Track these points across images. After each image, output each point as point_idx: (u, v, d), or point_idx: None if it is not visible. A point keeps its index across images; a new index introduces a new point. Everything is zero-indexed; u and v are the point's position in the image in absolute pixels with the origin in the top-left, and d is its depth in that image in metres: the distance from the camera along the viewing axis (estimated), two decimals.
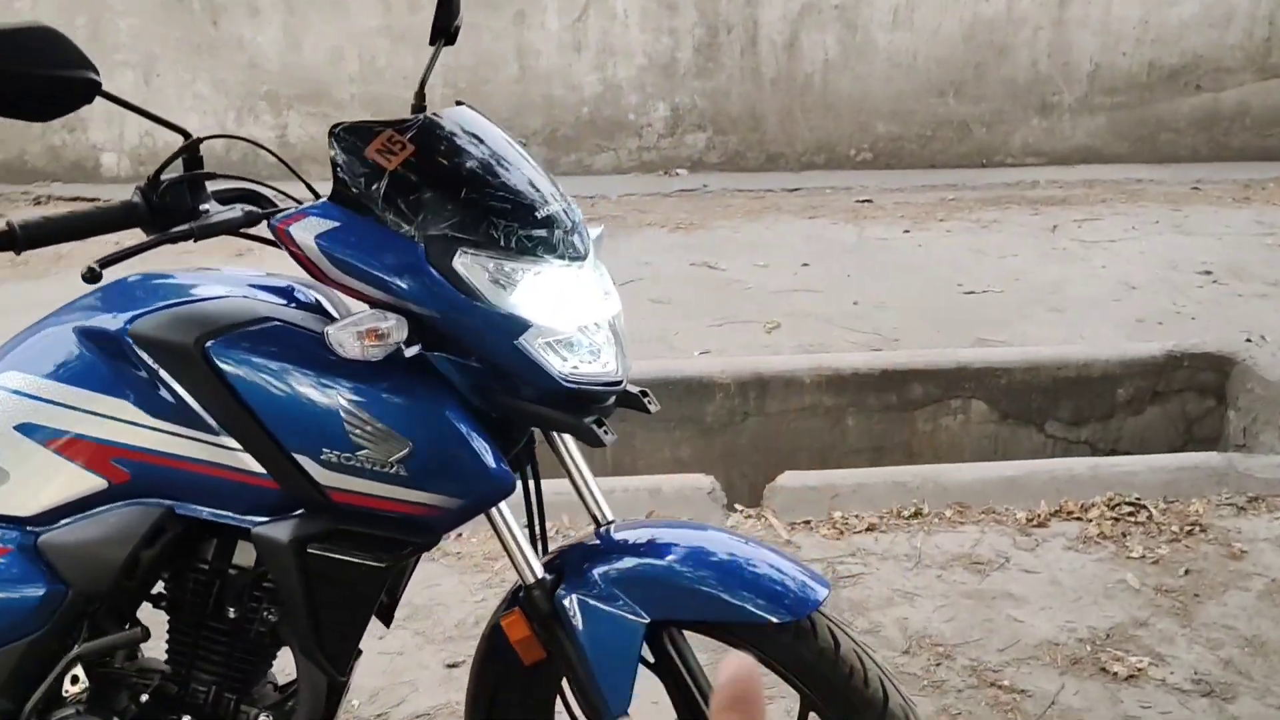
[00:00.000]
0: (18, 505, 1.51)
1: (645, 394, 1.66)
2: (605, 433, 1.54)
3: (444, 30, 1.85)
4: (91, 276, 1.29)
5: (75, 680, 1.53)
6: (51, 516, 1.51)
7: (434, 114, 1.54)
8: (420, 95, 1.79)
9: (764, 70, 6.55)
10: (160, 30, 6.28)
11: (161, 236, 1.39)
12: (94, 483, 1.48)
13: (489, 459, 1.47)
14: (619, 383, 1.56)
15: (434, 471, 1.45)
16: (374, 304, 1.44)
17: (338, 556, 1.47)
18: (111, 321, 1.46)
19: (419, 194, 1.43)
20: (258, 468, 1.45)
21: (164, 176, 1.44)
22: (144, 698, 1.56)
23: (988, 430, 3.89)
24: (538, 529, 1.74)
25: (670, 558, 1.57)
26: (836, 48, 6.50)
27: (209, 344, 1.42)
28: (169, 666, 1.59)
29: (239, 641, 1.59)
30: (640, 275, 5.08)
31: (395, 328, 1.40)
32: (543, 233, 1.48)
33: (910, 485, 3.14)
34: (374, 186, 1.43)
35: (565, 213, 1.53)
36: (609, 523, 1.71)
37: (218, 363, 1.42)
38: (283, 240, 1.43)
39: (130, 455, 1.46)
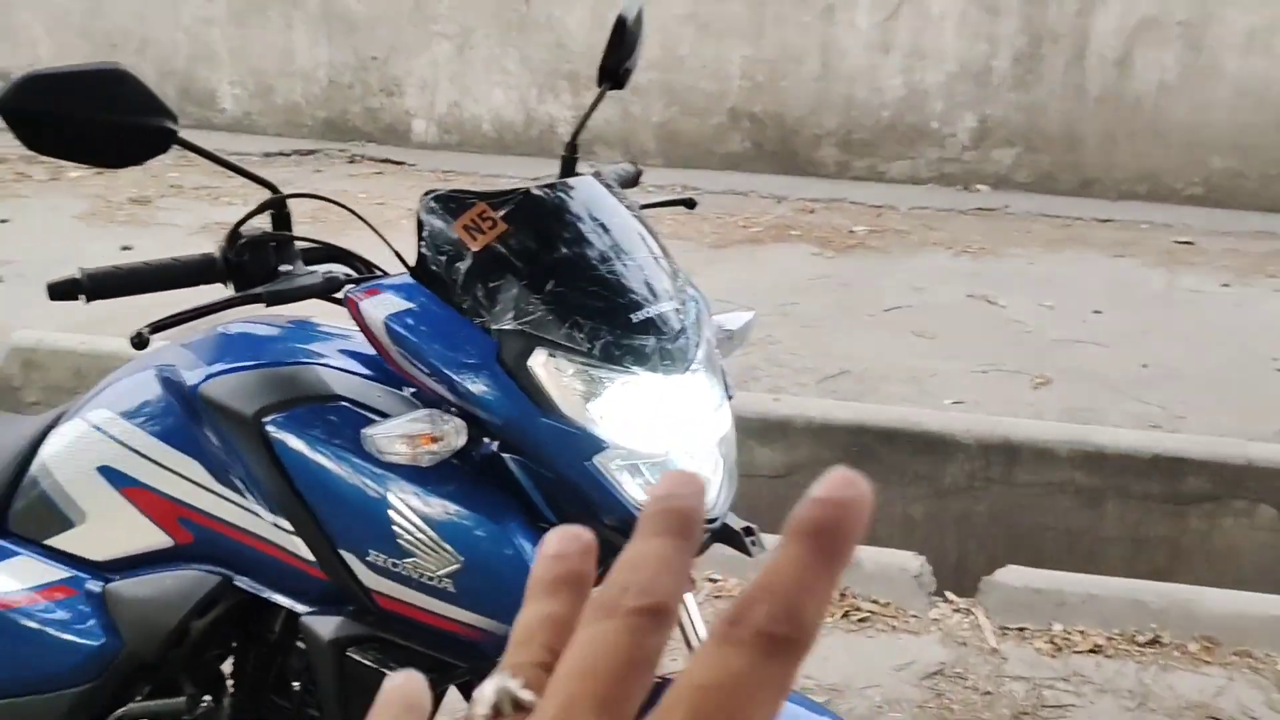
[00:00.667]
0: (91, 549, 1.48)
1: (751, 532, 1.43)
2: (692, 580, 1.33)
3: (612, 73, 1.67)
4: (139, 343, 1.21)
5: None
6: (120, 566, 1.47)
7: (546, 187, 1.37)
8: (572, 146, 1.62)
9: (1089, 87, 5.97)
10: (478, 5, 6.45)
11: (227, 300, 1.30)
12: (161, 539, 1.42)
13: None
14: (713, 520, 1.34)
15: (485, 592, 1.30)
16: (436, 400, 1.29)
17: (376, 668, 1.35)
18: (190, 376, 1.39)
19: (501, 281, 1.27)
20: (309, 554, 1.34)
21: (246, 232, 1.35)
22: None
23: (1275, 542, 3.35)
24: None
25: None
26: (1175, 68, 5.82)
27: (267, 418, 1.32)
28: None
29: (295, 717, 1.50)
30: (908, 302, 4.74)
31: (452, 432, 1.25)
32: (637, 340, 1.28)
33: (1152, 605, 2.72)
34: (456, 266, 1.29)
35: (675, 315, 1.33)
36: None
37: (273, 440, 1.32)
38: (353, 314, 1.31)
39: (195, 517, 1.40)
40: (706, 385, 1.36)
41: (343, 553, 1.31)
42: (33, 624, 1.46)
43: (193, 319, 1.28)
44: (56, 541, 1.48)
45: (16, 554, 1.50)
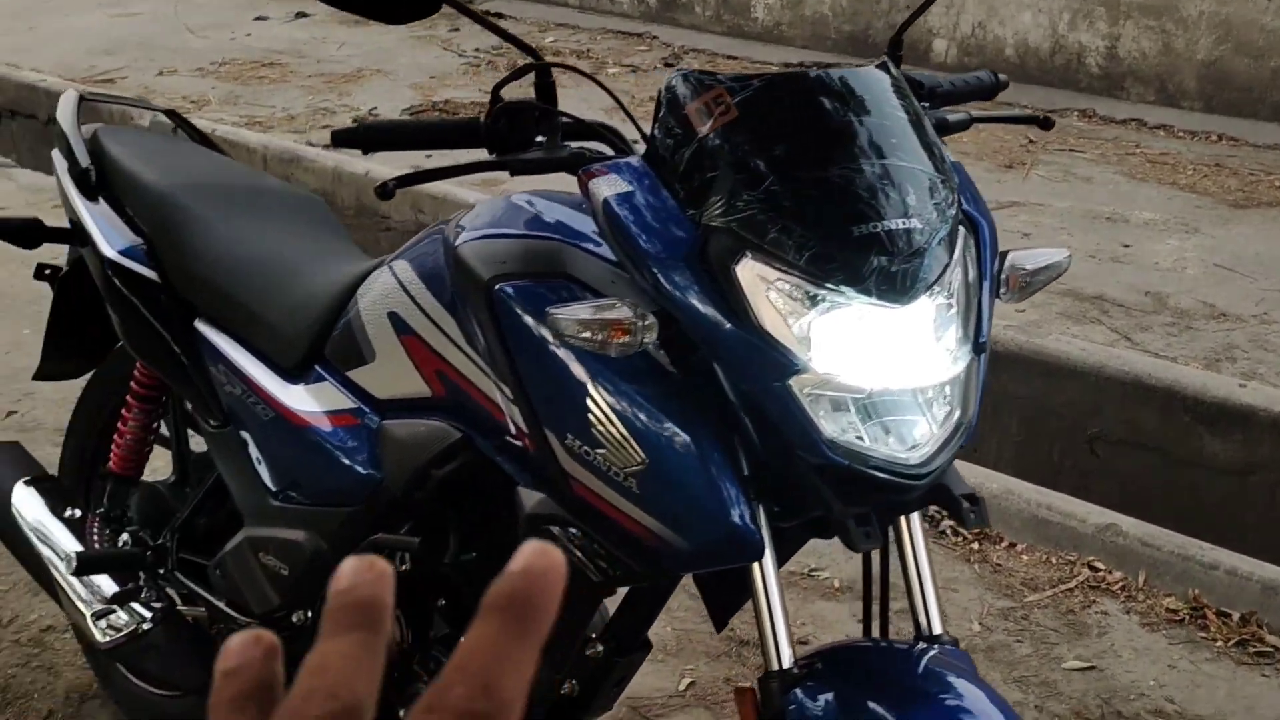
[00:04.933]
0: (376, 386, 1.60)
1: (974, 501, 1.25)
2: (866, 534, 1.20)
3: None
4: (384, 194, 1.28)
5: (402, 560, 1.61)
6: (394, 406, 1.58)
7: (797, 75, 1.26)
8: (897, 41, 1.48)
9: None
10: None
11: (469, 165, 1.33)
12: (422, 388, 1.51)
13: (731, 510, 1.22)
14: (922, 475, 1.19)
15: (666, 499, 1.25)
16: (638, 290, 1.24)
17: (562, 549, 1.35)
18: (460, 237, 1.45)
19: (718, 172, 1.19)
20: (524, 425, 1.37)
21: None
22: (441, 602, 1.61)
23: None
24: (874, 610, 1.45)
25: None
26: None
27: (498, 285, 1.35)
28: (472, 588, 1.61)
29: None
30: None
31: (642, 327, 1.20)
32: (852, 256, 1.15)
33: None
34: (681, 152, 1.22)
35: (916, 234, 1.17)
36: (930, 639, 1.35)
37: (498, 307, 1.34)
38: (583, 191, 1.29)
39: (448, 372, 1.47)
40: (937, 320, 1.18)
41: (547, 431, 1.31)
42: (323, 442, 1.62)
43: (437, 179, 1.32)
44: (353, 374, 1.63)
45: (325, 379, 1.67)
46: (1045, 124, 1.58)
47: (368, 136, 1.34)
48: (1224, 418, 3.14)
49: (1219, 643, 2.39)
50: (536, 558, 0.31)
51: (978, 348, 1.23)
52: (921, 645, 1.33)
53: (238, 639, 0.34)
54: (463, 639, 0.30)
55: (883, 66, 1.33)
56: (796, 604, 2.50)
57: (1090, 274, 3.97)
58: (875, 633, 1.49)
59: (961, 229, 1.24)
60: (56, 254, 2.22)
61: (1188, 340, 3.55)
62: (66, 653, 2.40)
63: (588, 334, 1.19)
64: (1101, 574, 2.59)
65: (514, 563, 0.31)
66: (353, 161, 5.37)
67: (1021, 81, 6.12)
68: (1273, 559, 2.62)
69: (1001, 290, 1.33)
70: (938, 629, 1.35)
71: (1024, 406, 3.41)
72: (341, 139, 1.36)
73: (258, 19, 8.03)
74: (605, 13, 7.68)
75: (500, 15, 8.01)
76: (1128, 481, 3.28)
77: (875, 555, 1.46)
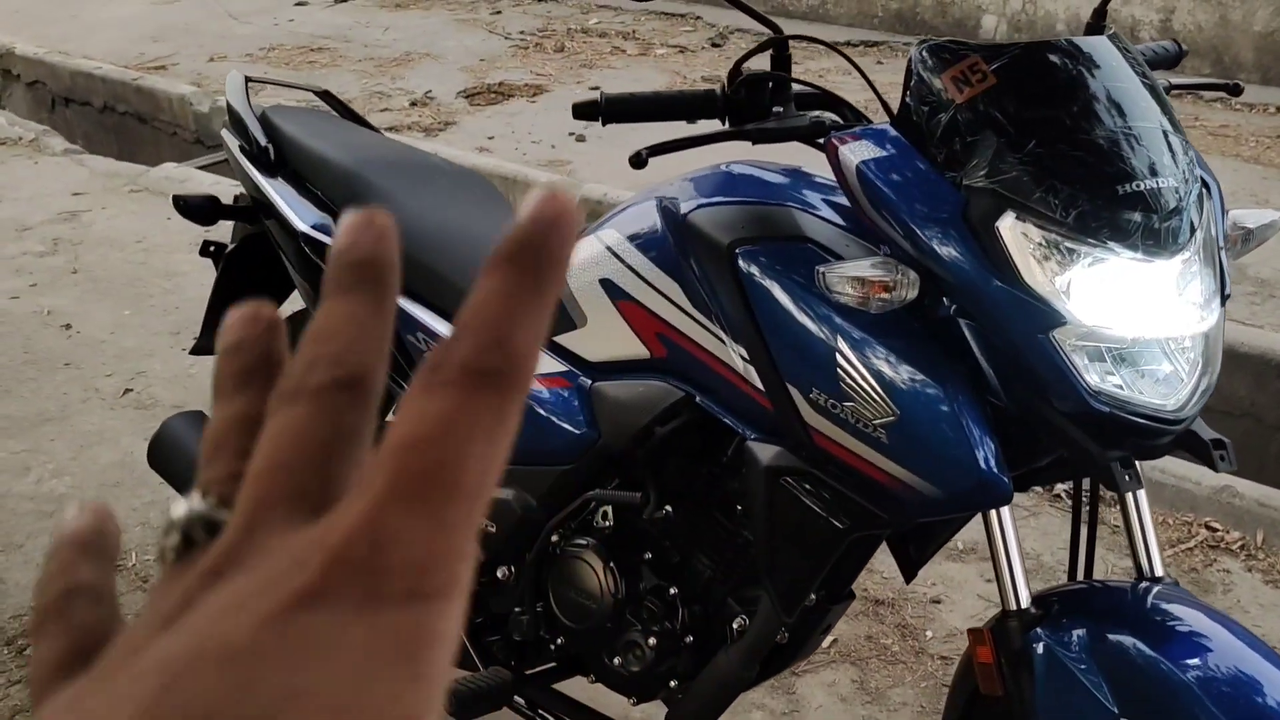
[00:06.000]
0: (587, 350, 1.66)
1: (1222, 445, 1.31)
2: (1129, 477, 1.26)
3: None
4: (638, 162, 1.34)
5: (605, 517, 1.67)
6: (606, 369, 1.64)
7: (1047, 44, 1.31)
8: (1101, 11, 1.53)
9: None
10: None
11: (716, 134, 1.39)
12: (640, 350, 1.57)
13: (980, 458, 1.29)
14: (1178, 421, 1.25)
15: (916, 450, 1.31)
16: (896, 250, 1.31)
17: (803, 500, 1.42)
18: (685, 205, 1.51)
19: (979, 136, 1.25)
20: (759, 383, 1.43)
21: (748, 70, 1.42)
22: (648, 555, 1.67)
23: None
24: (1081, 557, 1.51)
25: (1195, 673, 1.25)
26: None
27: (739, 249, 1.41)
28: (677, 542, 1.67)
29: (735, 541, 1.61)
30: None
31: (905, 283, 1.26)
32: (1121, 214, 1.21)
33: None
34: (937, 118, 1.28)
35: (1172, 193, 1.23)
36: (1153, 579, 1.41)
37: (741, 270, 1.40)
38: (830, 160, 1.35)
39: (671, 335, 1.53)
40: (1194, 275, 1.25)
41: (789, 387, 1.37)
42: (535, 405, 1.69)
43: (684, 148, 1.38)
44: (562, 339, 1.69)
45: None
46: (1235, 90, 1.64)
47: (609, 109, 1.40)
48: None
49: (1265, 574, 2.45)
50: (545, 204, 0.27)
51: (1223, 299, 1.29)
52: (1145, 584, 1.40)
53: (237, 314, 0.31)
54: (467, 299, 0.27)
55: (1112, 37, 1.38)
56: (929, 565, 2.57)
57: None
58: (1080, 577, 1.55)
59: (1203, 187, 1.30)
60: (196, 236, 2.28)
61: (1273, 309, 3.61)
62: None
63: (854, 290, 1.26)
64: (1220, 534, 2.65)
65: (522, 211, 0.27)
66: (417, 145, 5.44)
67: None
68: None
69: (1225, 247, 1.39)
70: (1159, 570, 1.42)
71: None
72: (582, 111, 1.41)
73: (298, 4, 8.08)
74: None
75: None
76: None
77: (1085, 504, 1.52)
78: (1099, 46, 1.34)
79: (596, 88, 6.38)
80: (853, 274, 1.25)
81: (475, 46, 7.03)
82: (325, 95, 2.28)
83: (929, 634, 2.42)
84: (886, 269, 1.26)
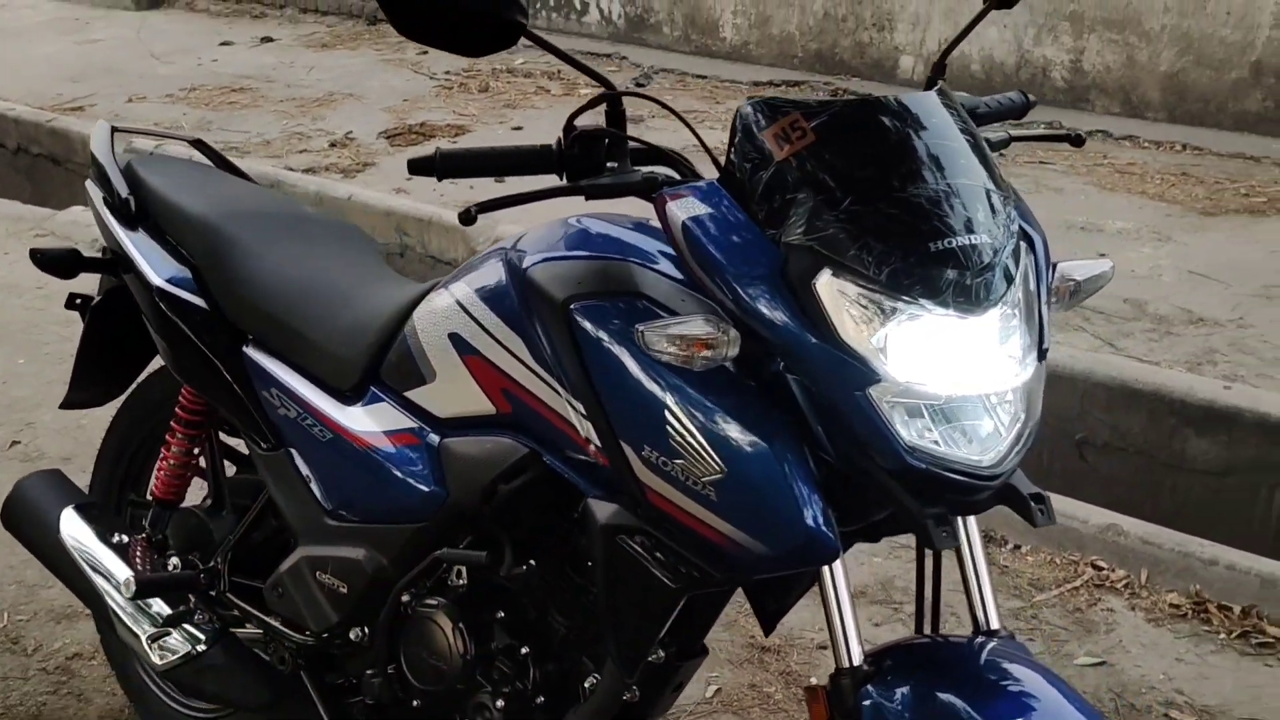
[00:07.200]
0: (436, 406, 1.65)
1: (1041, 499, 1.32)
2: (945, 534, 1.26)
3: None
4: (466, 219, 1.32)
5: (460, 575, 1.65)
6: (455, 424, 1.62)
7: (868, 101, 1.32)
8: (939, 66, 1.55)
9: None
10: None
11: (549, 190, 1.38)
12: (486, 406, 1.56)
13: (807, 515, 1.28)
14: (995, 476, 1.25)
15: (744, 507, 1.31)
16: (720, 308, 1.30)
17: (640, 558, 1.40)
18: (527, 259, 1.49)
19: (798, 193, 1.25)
20: (598, 440, 1.42)
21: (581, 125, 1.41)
22: (501, 614, 1.65)
23: None
24: (927, 610, 1.51)
25: None
26: None
27: (574, 304, 1.40)
28: (532, 599, 1.65)
29: (589, 598, 1.59)
30: None
31: (726, 341, 1.26)
32: (930, 270, 1.21)
33: None
34: (759, 175, 1.28)
35: (986, 249, 1.24)
36: (989, 633, 1.41)
37: (576, 326, 1.39)
38: (658, 215, 1.35)
39: (515, 390, 1.51)
40: (1014, 329, 1.26)
41: (623, 444, 1.36)
42: (384, 462, 1.66)
43: (516, 204, 1.37)
44: (412, 395, 1.67)
45: (381, 400, 1.71)
46: (1077, 141, 1.65)
47: (444, 164, 1.38)
48: (1209, 420, 3.25)
49: (1222, 635, 2.48)
50: None
51: (1041, 354, 1.30)
52: (981, 638, 1.40)
53: None
54: None
55: (940, 92, 1.40)
56: (814, 609, 2.56)
57: None
58: (927, 629, 1.55)
59: (1023, 242, 1.31)
60: (76, 285, 2.24)
61: (1169, 345, 3.67)
62: (95, 679, 2.41)
63: (675, 349, 1.25)
64: (1105, 573, 2.68)
65: None
66: (335, 186, 5.40)
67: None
68: (1259, 555, 2.72)
69: (1052, 300, 1.41)
70: (995, 624, 1.42)
71: None
72: (418, 166, 1.40)
73: (223, 44, 8.02)
74: (574, 34, 7.75)
75: None
76: (1116, 484, 3.38)
77: (928, 555, 1.52)
78: (925, 103, 1.35)
79: (519, 128, 6.38)
80: (672, 332, 1.25)
81: (400, 87, 7.01)
82: (199, 144, 2.26)
83: (814, 681, 2.40)
84: (706, 326, 1.25)
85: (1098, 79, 5.98)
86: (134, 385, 2.25)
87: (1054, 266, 1.41)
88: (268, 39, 8.15)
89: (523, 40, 1.27)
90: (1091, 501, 3.10)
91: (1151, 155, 5.41)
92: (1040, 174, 5.22)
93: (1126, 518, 2.78)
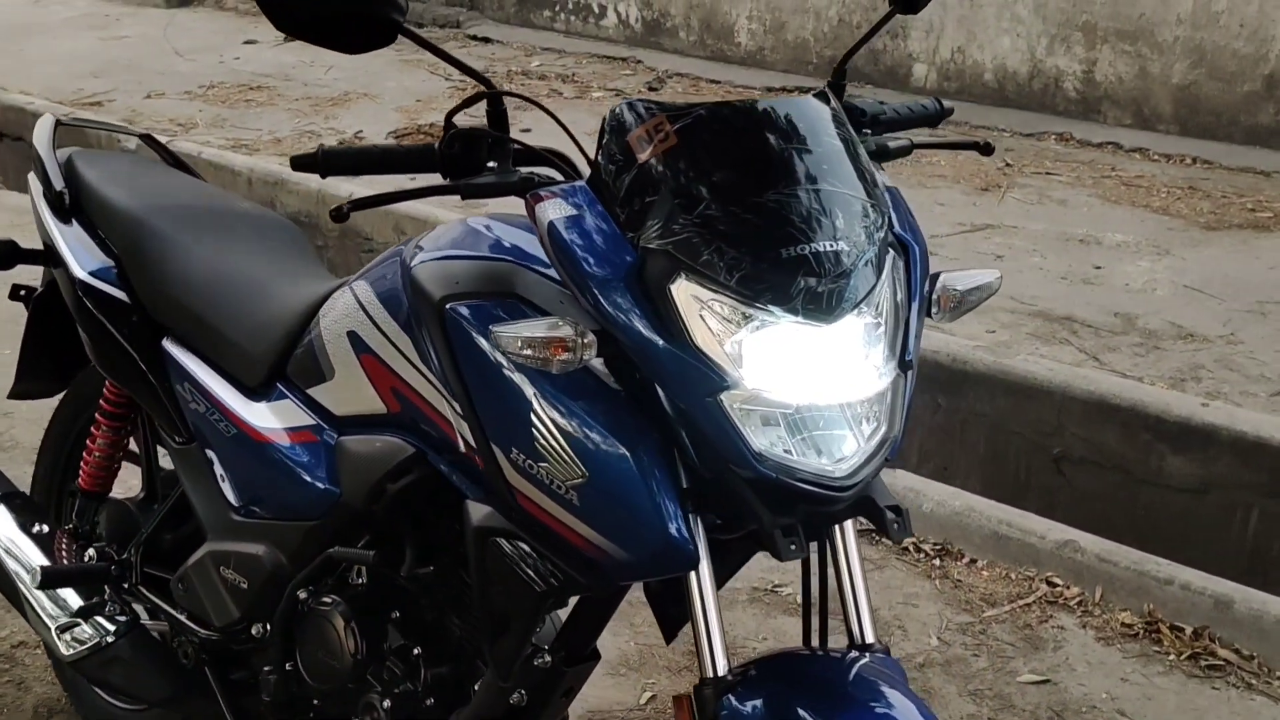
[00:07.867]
0: (334, 403, 1.65)
1: (898, 512, 1.30)
2: (793, 545, 1.25)
3: None
4: (338, 216, 1.32)
5: (359, 574, 1.65)
6: (351, 423, 1.63)
7: (735, 105, 1.31)
8: (840, 70, 1.53)
9: None
10: None
11: (423, 189, 1.37)
12: (378, 405, 1.56)
13: (669, 523, 1.27)
14: (847, 487, 1.23)
15: (605, 512, 1.30)
16: (581, 310, 1.29)
17: (509, 561, 1.40)
18: (416, 259, 1.49)
19: (657, 196, 1.24)
20: (473, 441, 1.41)
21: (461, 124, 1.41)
22: (396, 614, 1.64)
23: None
24: (815, 622, 1.50)
25: None
26: None
27: (449, 305, 1.39)
28: (430, 600, 1.65)
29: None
30: None
31: (582, 344, 1.25)
32: (780, 277, 1.20)
33: None
34: (622, 177, 1.27)
35: (842, 256, 1.22)
36: (863, 648, 1.39)
37: (449, 325, 1.39)
38: (529, 215, 1.34)
39: (404, 390, 1.51)
40: (872, 339, 1.23)
41: (494, 446, 1.35)
42: (283, 459, 1.67)
43: (390, 202, 1.37)
44: (313, 392, 1.67)
45: (286, 397, 1.71)
46: (985, 150, 1.63)
47: (326, 162, 1.38)
48: (1185, 437, 3.19)
49: (1171, 656, 2.44)
50: None
51: (904, 365, 1.27)
52: (854, 654, 1.38)
53: None
54: None
55: (821, 96, 1.38)
56: (759, 619, 2.55)
57: (1061, 295, 4.03)
58: (815, 642, 1.53)
59: (891, 251, 1.29)
60: (33, 275, 2.26)
61: (1155, 360, 3.61)
62: (36, 668, 2.43)
63: (529, 351, 1.24)
64: (1059, 589, 2.64)
65: None
66: (337, 185, 5.43)
67: (1000, 105, 6.21)
68: (1229, 575, 2.67)
69: (934, 310, 1.38)
70: (870, 638, 1.40)
71: (991, 425, 3.46)
72: (301, 163, 1.40)
73: (246, 43, 8.10)
74: (591, 37, 7.76)
75: (488, 40, 8.10)
76: (1091, 500, 3.34)
77: (815, 566, 1.50)
78: (802, 107, 1.33)
79: (528, 129, 6.38)
80: (524, 334, 1.24)
81: (414, 87, 7.05)
82: (147, 138, 2.28)
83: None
84: (559, 329, 1.24)
85: (1110, 90, 5.90)
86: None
87: (935, 277, 1.39)
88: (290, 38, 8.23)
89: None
90: (1068, 516, 3.05)
91: (1160, 168, 5.33)
92: (1046, 185, 5.16)
93: (1084, 534, 2.74)
